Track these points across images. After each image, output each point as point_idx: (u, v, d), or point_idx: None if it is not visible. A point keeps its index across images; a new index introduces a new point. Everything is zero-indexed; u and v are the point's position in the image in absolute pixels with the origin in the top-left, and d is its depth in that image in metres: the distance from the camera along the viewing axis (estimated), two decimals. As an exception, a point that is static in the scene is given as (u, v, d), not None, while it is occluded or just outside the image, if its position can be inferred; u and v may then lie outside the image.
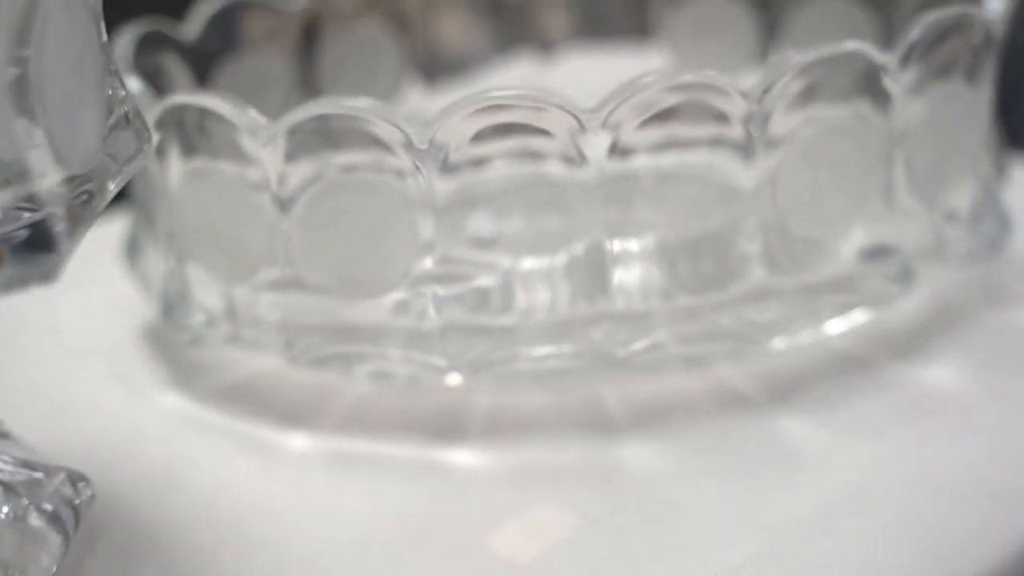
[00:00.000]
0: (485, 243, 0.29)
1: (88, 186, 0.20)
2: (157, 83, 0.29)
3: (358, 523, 0.24)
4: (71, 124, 0.20)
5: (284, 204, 0.26)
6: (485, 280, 0.27)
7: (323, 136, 0.26)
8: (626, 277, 0.27)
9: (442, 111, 0.24)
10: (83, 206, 0.20)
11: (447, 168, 0.25)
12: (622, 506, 0.24)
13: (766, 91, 0.25)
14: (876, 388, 0.27)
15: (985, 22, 0.28)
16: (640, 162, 0.27)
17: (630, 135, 0.26)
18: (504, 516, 0.24)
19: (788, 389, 0.27)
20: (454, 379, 0.27)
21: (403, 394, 0.28)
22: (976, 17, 0.28)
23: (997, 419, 0.26)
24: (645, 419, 0.27)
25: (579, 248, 0.26)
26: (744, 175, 0.26)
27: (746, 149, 0.26)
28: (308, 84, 0.37)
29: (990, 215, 0.30)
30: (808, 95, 0.26)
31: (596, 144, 0.25)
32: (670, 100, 0.25)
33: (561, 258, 0.27)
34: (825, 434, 0.26)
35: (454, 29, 0.43)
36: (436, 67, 0.41)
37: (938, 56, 0.27)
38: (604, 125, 0.25)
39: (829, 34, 0.30)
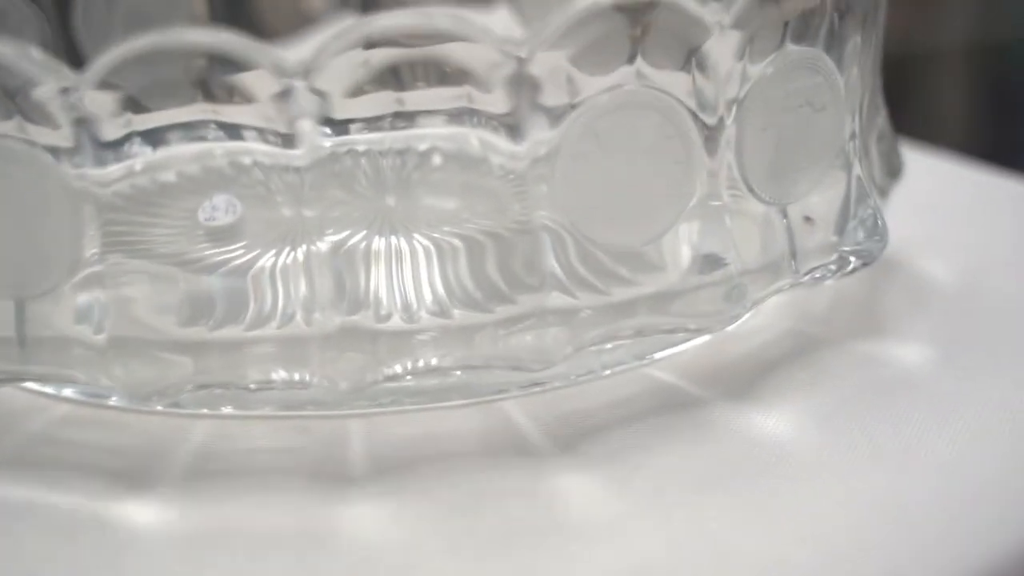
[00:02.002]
0: (218, 234, 0.23)
1: None
2: None
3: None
4: None
5: None
6: (201, 282, 0.22)
7: None
8: (385, 285, 0.21)
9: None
10: None
11: (99, 143, 0.19)
12: (323, 588, 0.18)
13: (532, 41, 0.19)
14: (696, 437, 0.21)
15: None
16: (428, 133, 0.22)
17: (379, 100, 0.20)
18: (159, 598, 0.18)
19: (581, 434, 0.21)
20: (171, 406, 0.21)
21: (109, 422, 0.22)
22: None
23: (843, 479, 0.20)
24: (391, 469, 0.21)
25: (323, 246, 0.21)
26: (513, 159, 0.20)
27: (512, 126, 0.20)
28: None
29: (860, 221, 0.24)
30: (619, 53, 0.20)
31: (310, 110, 0.19)
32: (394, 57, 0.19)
33: (299, 257, 0.21)
34: (616, 495, 0.20)
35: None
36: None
37: (785, 9, 0.21)
38: (312, 89, 0.19)
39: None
